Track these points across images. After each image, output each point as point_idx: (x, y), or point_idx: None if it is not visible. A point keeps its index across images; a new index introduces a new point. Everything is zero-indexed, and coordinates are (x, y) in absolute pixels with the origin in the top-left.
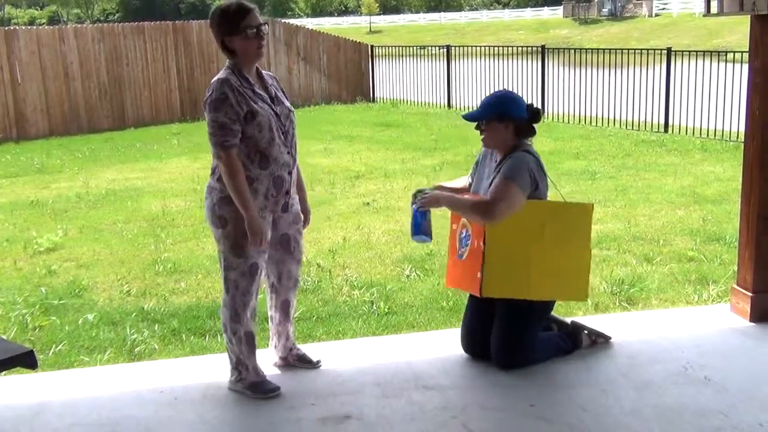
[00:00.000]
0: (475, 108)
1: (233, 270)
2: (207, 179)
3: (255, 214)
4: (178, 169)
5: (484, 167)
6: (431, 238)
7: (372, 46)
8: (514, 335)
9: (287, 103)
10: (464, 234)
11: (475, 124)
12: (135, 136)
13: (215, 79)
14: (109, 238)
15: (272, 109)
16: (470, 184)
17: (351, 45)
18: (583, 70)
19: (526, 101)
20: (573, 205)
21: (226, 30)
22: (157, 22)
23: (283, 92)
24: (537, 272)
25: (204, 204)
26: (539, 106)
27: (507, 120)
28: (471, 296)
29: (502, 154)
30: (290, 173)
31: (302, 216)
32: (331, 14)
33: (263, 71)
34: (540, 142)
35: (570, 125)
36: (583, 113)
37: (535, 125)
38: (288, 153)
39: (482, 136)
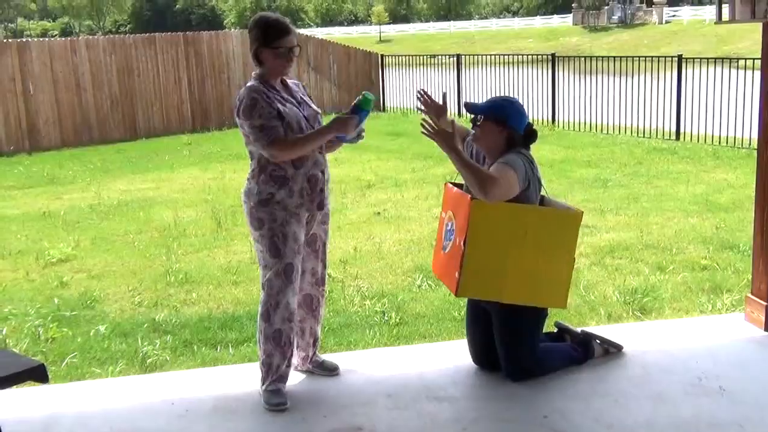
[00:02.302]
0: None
1: (269, 270)
2: (217, 190)
3: (328, 127)
4: (189, 179)
5: None
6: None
7: (382, 56)
8: (513, 344)
9: (314, 106)
10: (449, 227)
11: (473, 116)
12: (146, 146)
13: (243, 88)
14: (121, 248)
15: (300, 112)
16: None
17: (361, 54)
18: (594, 78)
19: (530, 120)
20: (560, 213)
21: (262, 41)
22: (168, 34)
23: (309, 97)
24: (514, 276)
25: (243, 208)
26: (552, 114)
27: (503, 125)
28: (469, 303)
29: (492, 159)
30: (323, 172)
31: (329, 216)
32: (341, 23)
33: (288, 80)
34: (551, 151)
35: (581, 133)
36: (593, 121)
37: (529, 144)
38: (319, 152)
39: (473, 131)
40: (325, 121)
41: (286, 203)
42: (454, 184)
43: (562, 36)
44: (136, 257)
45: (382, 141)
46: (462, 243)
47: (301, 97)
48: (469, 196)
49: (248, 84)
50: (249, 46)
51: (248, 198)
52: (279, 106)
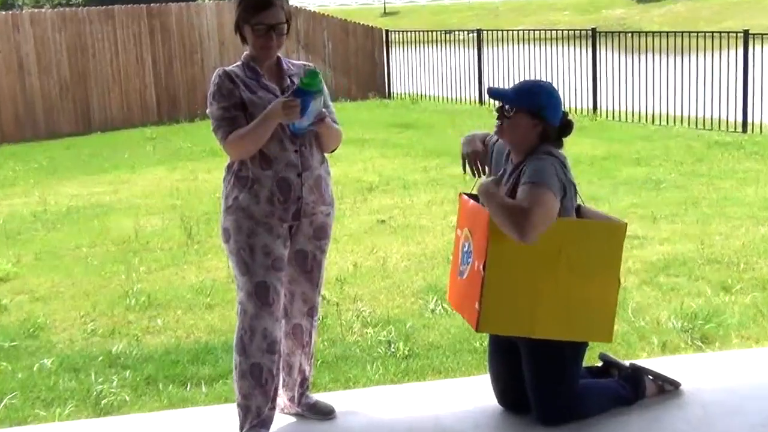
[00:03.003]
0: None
1: (240, 291)
2: (187, 194)
3: (266, 115)
4: (153, 181)
5: (498, 168)
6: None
7: (387, 32)
8: (546, 381)
9: None
10: (466, 248)
11: (499, 105)
12: (102, 141)
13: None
14: (71, 265)
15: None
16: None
17: (361, 30)
18: (643, 58)
19: (565, 108)
20: (601, 226)
21: (241, 16)
22: (129, 6)
23: None
24: (546, 307)
25: None
26: (592, 101)
27: (537, 117)
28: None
29: (520, 155)
30: (300, 175)
31: (327, 230)
32: None
33: (295, 61)
34: (591, 145)
35: (628, 124)
36: (643, 109)
37: (563, 137)
38: (295, 152)
39: (499, 123)
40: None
41: (252, 210)
42: (470, 196)
43: (605, 7)
44: (89, 276)
45: (387, 134)
46: (481, 267)
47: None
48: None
49: (224, 67)
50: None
51: (222, 202)
52: (245, 93)
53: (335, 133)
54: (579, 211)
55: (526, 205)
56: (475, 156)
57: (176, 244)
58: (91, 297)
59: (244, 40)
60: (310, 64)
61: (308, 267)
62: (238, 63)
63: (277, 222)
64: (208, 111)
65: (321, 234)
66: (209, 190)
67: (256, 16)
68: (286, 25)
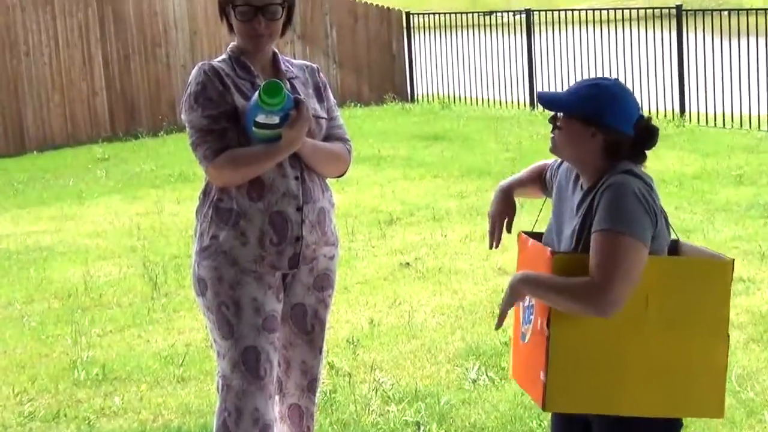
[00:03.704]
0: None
1: (222, 359)
2: (151, 232)
3: (280, 145)
4: (107, 215)
5: (563, 199)
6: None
7: (408, 14)
8: None
9: (318, 108)
10: (527, 302)
11: (551, 114)
12: (39, 164)
13: (196, 67)
14: (2, 328)
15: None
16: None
17: (375, 13)
18: (744, 43)
19: (641, 109)
20: (699, 263)
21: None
22: None
23: (318, 90)
24: (633, 374)
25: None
26: (679, 102)
27: (595, 126)
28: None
29: (589, 177)
30: (299, 209)
31: (331, 277)
32: None
33: (294, 60)
34: (679, 159)
35: (725, 130)
36: (745, 111)
37: (643, 151)
38: (296, 179)
39: (552, 137)
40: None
41: (236, 254)
42: (531, 235)
43: None
44: (25, 341)
45: (411, 149)
46: (545, 325)
47: (299, 90)
48: (549, 249)
49: (208, 61)
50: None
51: (195, 243)
52: (238, 98)
53: (331, 156)
54: (675, 247)
55: (598, 278)
56: (500, 218)
57: (138, 297)
58: (28, 369)
59: (230, 27)
60: (313, 64)
61: (308, 326)
62: (223, 56)
63: (268, 269)
64: (185, 118)
65: (324, 283)
66: (179, 226)
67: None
68: (280, 8)
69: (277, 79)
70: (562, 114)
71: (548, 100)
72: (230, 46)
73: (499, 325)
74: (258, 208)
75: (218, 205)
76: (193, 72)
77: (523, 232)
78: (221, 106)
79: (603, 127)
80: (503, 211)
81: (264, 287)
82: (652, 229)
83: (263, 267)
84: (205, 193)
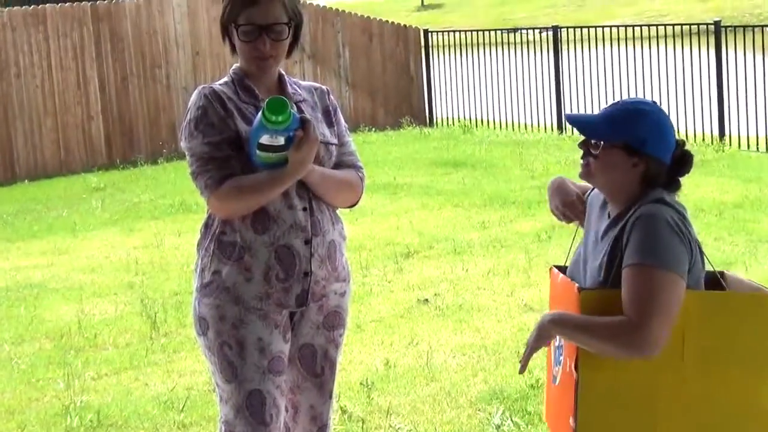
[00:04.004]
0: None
1: (224, 404)
2: (150, 267)
3: (287, 170)
4: (102, 249)
5: (589, 229)
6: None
7: (426, 32)
8: None
9: (327, 133)
10: (558, 342)
11: (583, 138)
12: (30, 194)
13: (196, 90)
14: None
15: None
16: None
17: (391, 31)
18: None
19: (677, 135)
20: (742, 298)
21: (227, 14)
22: (67, 4)
23: (328, 114)
24: (670, 419)
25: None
26: (718, 124)
27: (637, 155)
28: None
29: (619, 204)
30: (308, 242)
31: (342, 315)
32: None
33: (301, 82)
34: (718, 187)
35: None
36: None
37: (678, 177)
38: (304, 209)
39: (584, 162)
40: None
41: (240, 291)
42: (562, 269)
43: None
44: (14, 384)
45: (430, 176)
46: (573, 368)
47: (308, 113)
48: (576, 285)
49: (209, 85)
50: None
51: (195, 280)
52: (241, 123)
53: (341, 184)
54: (723, 277)
55: (634, 316)
56: (568, 205)
57: (135, 337)
58: (17, 415)
59: (233, 48)
60: (323, 85)
61: (317, 368)
62: (226, 79)
63: (274, 307)
64: (184, 146)
65: (334, 321)
66: (180, 260)
67: (244, 12)
68: (287, 28)
69: (282, 96)
70: (600, 142)
71: (582, 125)
72: (233, 67)
73: (522, 369)
74: (263, 242)
75: (221, 238)
76: (193, 96)
77: (554, 266)
78: (223, 132)
79: (646, 156)
80: (566, 201)
81: (270, 326)
82: (688, 261)
83: (269, 305)
84: (207, 225)
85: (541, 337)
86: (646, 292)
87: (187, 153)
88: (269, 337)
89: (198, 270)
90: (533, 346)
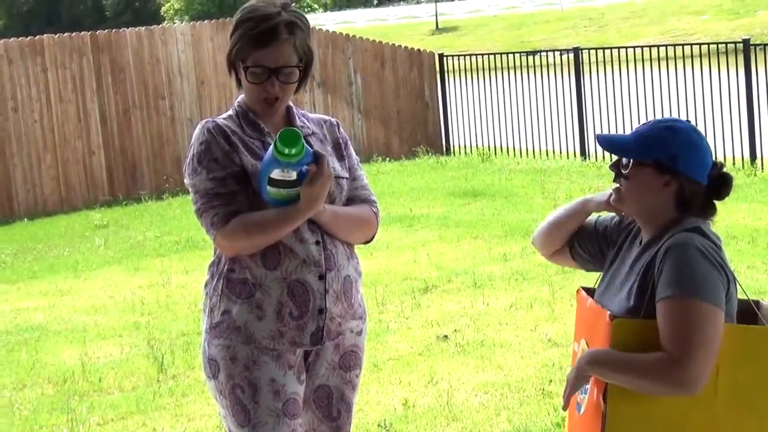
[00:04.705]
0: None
1: None
2: (156, 307)
3: (298, 207)
4: (106, 288)
5: (618, 256)
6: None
7: (441, 56)
8: None
9: (338, 167)
10: None
11: (614, 160)
12: (30, 233)
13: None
14: None
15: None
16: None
17: (404, 55)
18: None
19: (713, 155)
20: None
21: (235, 51)
22: (66, 35)
23: (338, 147)
24: None
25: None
26: (749, 147)
27: (670, 174)
28: None
29: (653, 229)
30: (322, 278)
31: (359, 354)
32: (366, 3)
33: (310, 114)
34: (751, 213)
35: None
36: None
37: (716, 200)
38: (317, 243)
39: (615, 186)
40: None
41: (252, 330)
42: (590, 292)
43: (761, 7)
44: (16, 431)
45: (448, 207)
46: (601, 398)
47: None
48: (608, 312)
49: (212, 119)
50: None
51: (204, 321)
52: (247, 158)
53: (355, 222)
54: (758, 307)
55: (676, 352)
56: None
57: (142, 381)
58: None
59: (239, 82)
60: (332, 118)
61: (333, 411)
62: (230, 112)
63: (288, 347)
64: (188, 183)
65: (351, 362)
66: (188, 299)
67: (253, 53)
68: (297, 70)
69: (295, 128)
70: (628, 160)
71: (612, 144)
72: (238, 99)
73: (566, 407)
74: (275, 277)
75: (229, 276)
76: (196, 131)
77: (582, 288)
78: (228, 167)
79: (678, 175)
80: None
81: (284, 367)
82: (725, 291)
83: (282, 344)
84: (214, 264)
85: (579, 380)
86: (686, 326)
87: (191, 190)
88: (283, 378)
89: (206, 310)
90: (572, 388)
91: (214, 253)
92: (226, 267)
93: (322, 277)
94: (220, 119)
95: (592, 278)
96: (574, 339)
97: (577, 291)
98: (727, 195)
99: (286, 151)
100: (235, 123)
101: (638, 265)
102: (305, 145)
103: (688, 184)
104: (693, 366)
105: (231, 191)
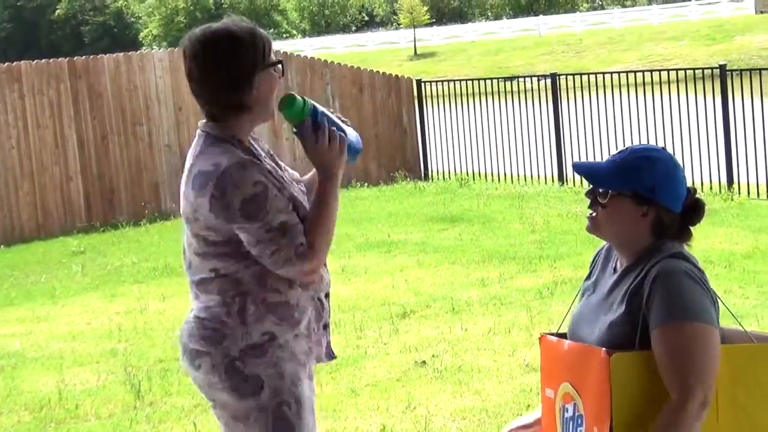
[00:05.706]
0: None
1: None
2: (134, 333)
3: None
4: (83, 315)
5: (591, 285)
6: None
7: (420, 82)
8: None
9: (291, 172)
10: (570, 412)
11: (589, 187)
12: (6, 260)
13: (215, 165)
14: None
15: (303, 194)
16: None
17: (382, 81)
18: None
19: (688, 182)
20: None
21: (250, 63)
22: (43, 61)
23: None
24: None
25: (193, 364)
26: (726, 172)
27: (647, 203)
28: None
29: (629, 256)
30: (328, 295)
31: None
32: (345, 29)
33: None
34: (727, 238)
35: None
36: None
37: (690, 226)
38: (324, 264)
39: (591, 214)
40: None
41: (294, 349)
42: (558, 336)
43: (738, 33)
44: None
45: (426, 233)
46: None
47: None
48: (603, 349)
49: (222, 159)
50: (215, 81)
51: (214, 346)
52: (288, 187)
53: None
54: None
55: (679, 393)
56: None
57: (119, 408)
58: None
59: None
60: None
61: None
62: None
63: (314, 362)
64: (254, 226)
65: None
66: (165, 326)
67: (270, 54)
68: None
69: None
70: (608, 191)
71: (590, 173)
72: (211, 136)
73: None
74: (308, 296)
75: (267, 301)
76: (235, 174)
77: (546, 333)
78: (285, 198)
79: (656, 205)
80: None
81: (312, 384)
82: (716, 313)
83: (311, 359)
84: (242, 293)
85: None
86: (686, 352)
87: (254, 234)
88: (313, 395)
89: (243, 334)
90: None
91: (232, 299)
92: (258, 293)
93: (327, 295)
94: (240, 156)
95: (569, 303)
96: (544, 385)
97: (540, 338)
98: (699, 221)
99: (293, 111)
100: (248, 154)
101: (618, 291)
102: (303, 100)
103: (664, 213)
104: (695, 398)
105: (299, 220)
